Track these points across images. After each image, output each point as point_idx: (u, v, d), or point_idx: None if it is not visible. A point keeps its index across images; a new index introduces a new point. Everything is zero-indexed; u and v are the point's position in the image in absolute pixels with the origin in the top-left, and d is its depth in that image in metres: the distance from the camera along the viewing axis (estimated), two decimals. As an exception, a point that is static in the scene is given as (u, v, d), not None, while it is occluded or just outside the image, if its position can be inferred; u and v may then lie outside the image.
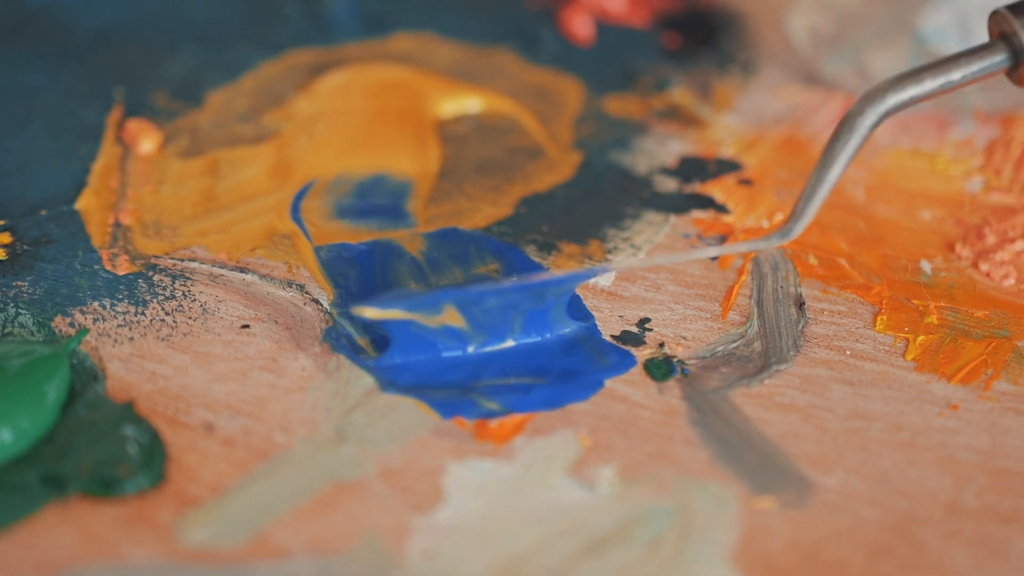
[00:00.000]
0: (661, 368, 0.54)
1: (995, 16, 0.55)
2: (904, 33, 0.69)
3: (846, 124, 0.54)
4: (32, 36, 0.67)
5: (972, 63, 0.55)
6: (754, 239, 0.56)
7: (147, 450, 0.50)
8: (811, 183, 0.55)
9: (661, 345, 0.55)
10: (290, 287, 0.56)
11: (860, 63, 0.68)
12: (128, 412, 0.51)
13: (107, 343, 0.54)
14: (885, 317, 0.56)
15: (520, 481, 0.50)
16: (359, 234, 0.58)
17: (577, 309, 0.56)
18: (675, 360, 0.54)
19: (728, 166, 0.62)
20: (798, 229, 0.55)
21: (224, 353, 0.54)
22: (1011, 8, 0.55)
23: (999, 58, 0.55)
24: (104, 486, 0.49)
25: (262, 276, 0.57)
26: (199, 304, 0.55)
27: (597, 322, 0.55)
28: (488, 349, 0.54)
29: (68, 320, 0.54)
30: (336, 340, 0.54)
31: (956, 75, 0.55)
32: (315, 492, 0.50)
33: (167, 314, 0.55)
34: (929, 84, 0.55)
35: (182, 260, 0.57)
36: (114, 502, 0.49)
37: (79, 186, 0.60)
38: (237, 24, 0.68)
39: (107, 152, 0.61)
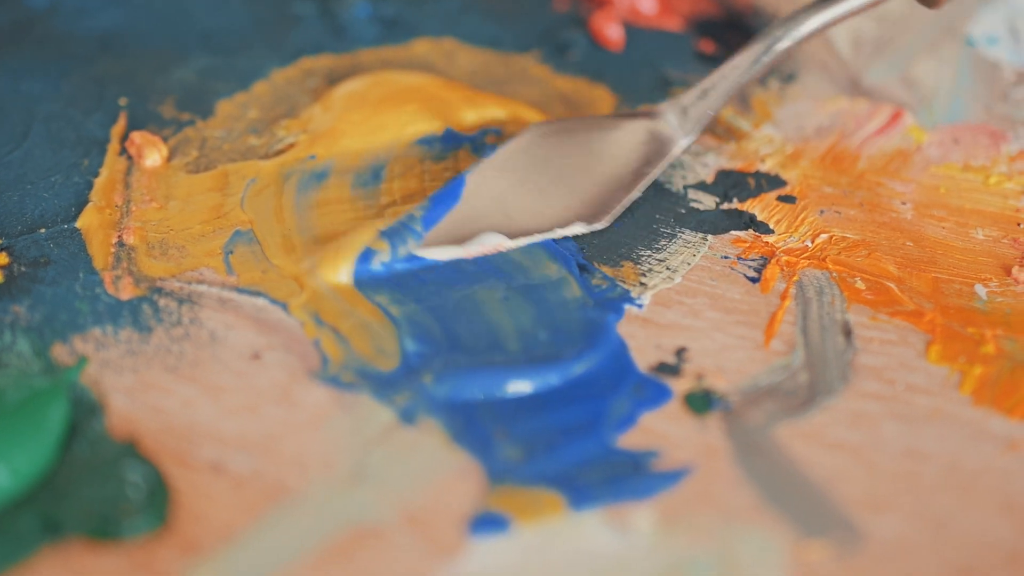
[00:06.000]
0: (700, 402, 0.51)
1: None
2: (952, 39, 0.65)
3: (760, 45, 0.56)
4: (31, 41, 0.63)
5: None
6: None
7: (150, 492, 0.47)
8: (710, 86, 0.57)
9: (700, 377, 0.51)
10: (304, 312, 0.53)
11: (906, 71, 0.64)
12: (131, 451, 0.48)
13: (109, 374, 0.50)
14: (939, 346, 0.53)
15: (551, 527, 0.47)
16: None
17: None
18: (715, 394, 0.51)
19: (769, 181, 0.59)
20: (694, 135, 0.57)
21: (234, 385, 0.50)
22: None
23: None
24: (104, 531, 0.46)
25: (274, 300, 0.53)
26: (207, 331, 0.52)
27: (632, 351, 0.52)
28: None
29: (68, 348, 0.51)
30: (332, 381, 0.50)
31: None
32: (331, 539, 0.46)
33: (173, 342, 0.52)
34: (843, 7, 0.57)
35: (189, 283, 0.54)
36: (115, 548, 0.46)
37: (81, 202, 0.56)
38: (248, 29, 0.65)
39: (111, 166, 0.58)
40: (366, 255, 0.53)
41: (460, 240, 0.54)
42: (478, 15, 0.66)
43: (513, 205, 0.54)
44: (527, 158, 0.55)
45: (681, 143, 0.56)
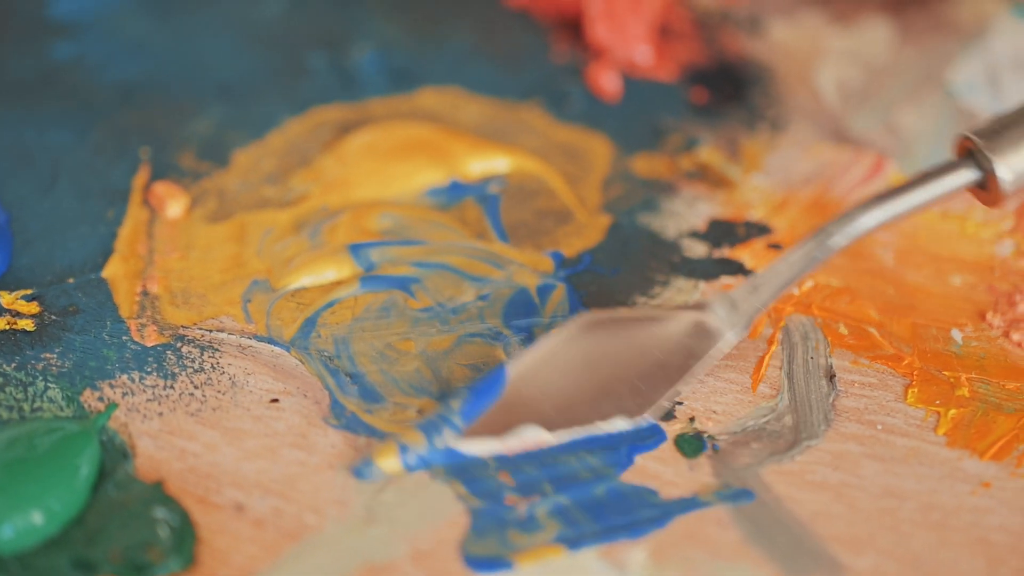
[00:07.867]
0: (692, 444, 0.54)
1: (961, 138, 0.57)
2: (934, 87, 0.69)
3: (813, 243, 0.56)
4: (56, 93, 0.66)
5: (941, 181, 0.56)
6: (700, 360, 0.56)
7: (178, 533, 0.50)
8: (762, 282, 0.56)
9: (692, 420, 0.55)
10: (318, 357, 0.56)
11: (889, 119, 0.67)
12: (158, 493, 0.51)
13: (136, 419, 0.54)
14: (916, 390, 0.56)
15: (550, 565, 0.50)
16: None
17: None
18: (705, 436, 0.54)
19: (757, 229, 0.62)
20: (742, 330, 0.56)
21: (254, 429, 0.54)
22: (976, 132, 0.57)
23: (968, 175, 0.56)
24: (135, 571, 0.49)
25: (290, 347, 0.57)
26: (228, 377, 0.55)
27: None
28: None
29: (97, 394, 0.54)
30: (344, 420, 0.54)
31: (926, 195, 0.56)
32: (346, 575, 0.50)
33: (196, 387, 0.55)
34: (900, 206, 0.56)
35: (210, 331, 0.57)
36: (145, 586, 0.49)
37: (106, 252, 0.60)
38: (262, 79, 0.68)
39: (134, 216, 0.61)
40: (403, 450, 0.53)
41: (500, 432, 0.53)
42: (481, 64, 0.69)
43: (554, 397, 0.54)
44: (571, 351, 0.55)
45: (728, 337, 0.55)
